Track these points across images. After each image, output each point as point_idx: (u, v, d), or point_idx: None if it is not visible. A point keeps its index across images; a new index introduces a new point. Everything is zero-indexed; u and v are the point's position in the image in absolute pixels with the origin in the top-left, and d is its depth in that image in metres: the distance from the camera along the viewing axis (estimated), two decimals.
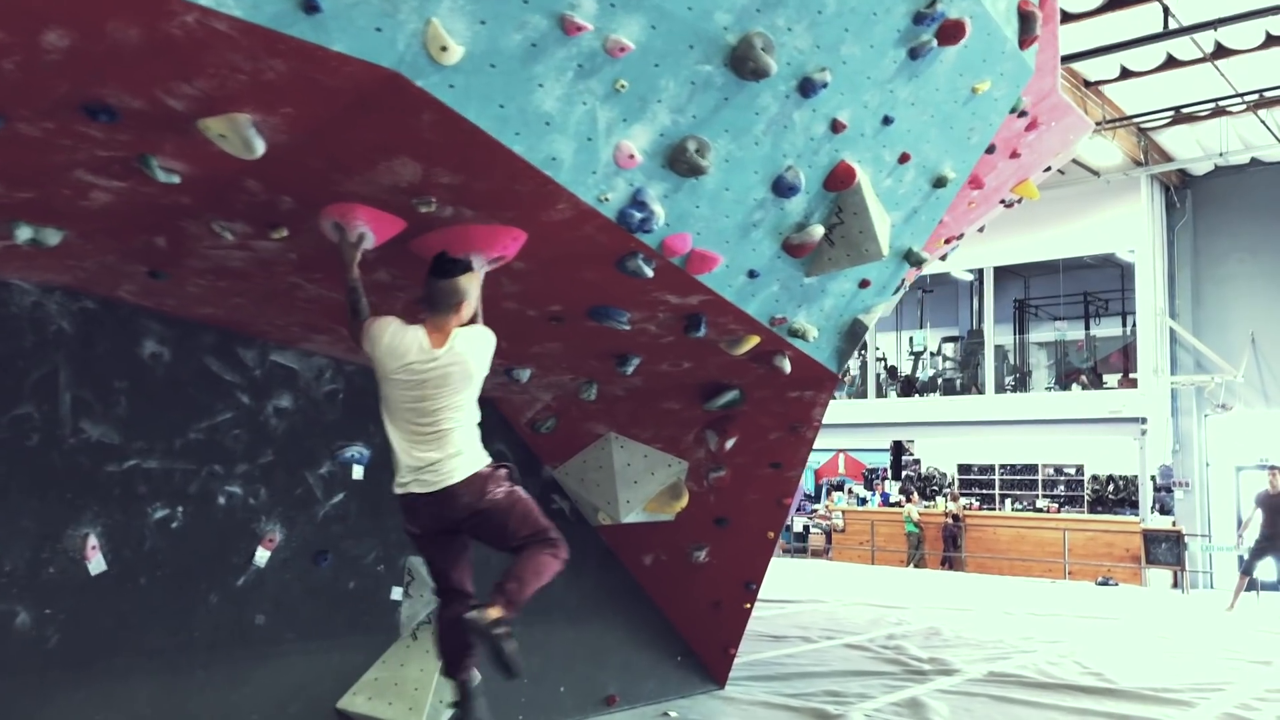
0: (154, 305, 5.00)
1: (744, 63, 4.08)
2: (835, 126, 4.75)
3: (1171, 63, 15.01)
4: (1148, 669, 9.13)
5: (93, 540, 4.85)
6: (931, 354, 24.77)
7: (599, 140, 3.92)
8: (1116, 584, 17.11)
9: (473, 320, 4.28)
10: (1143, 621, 12.63)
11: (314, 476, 5.70)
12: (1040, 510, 21.25)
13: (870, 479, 27.14)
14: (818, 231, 5.11)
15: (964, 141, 5.58)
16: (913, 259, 5.93)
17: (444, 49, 3.22)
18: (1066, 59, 14.30)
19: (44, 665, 4.70)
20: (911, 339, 25.13)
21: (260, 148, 3.43)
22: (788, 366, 5.98)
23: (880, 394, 23.66)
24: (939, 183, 5.63)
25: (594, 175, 4.01)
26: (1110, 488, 21.61)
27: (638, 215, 4.25)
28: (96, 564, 4.87)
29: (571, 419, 6.79)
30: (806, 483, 31.74)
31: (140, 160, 3.55)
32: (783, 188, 4.76)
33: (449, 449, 4.21)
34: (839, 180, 5.00)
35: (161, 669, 5.08)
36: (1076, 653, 10.01)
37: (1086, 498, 21.93)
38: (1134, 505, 19.62)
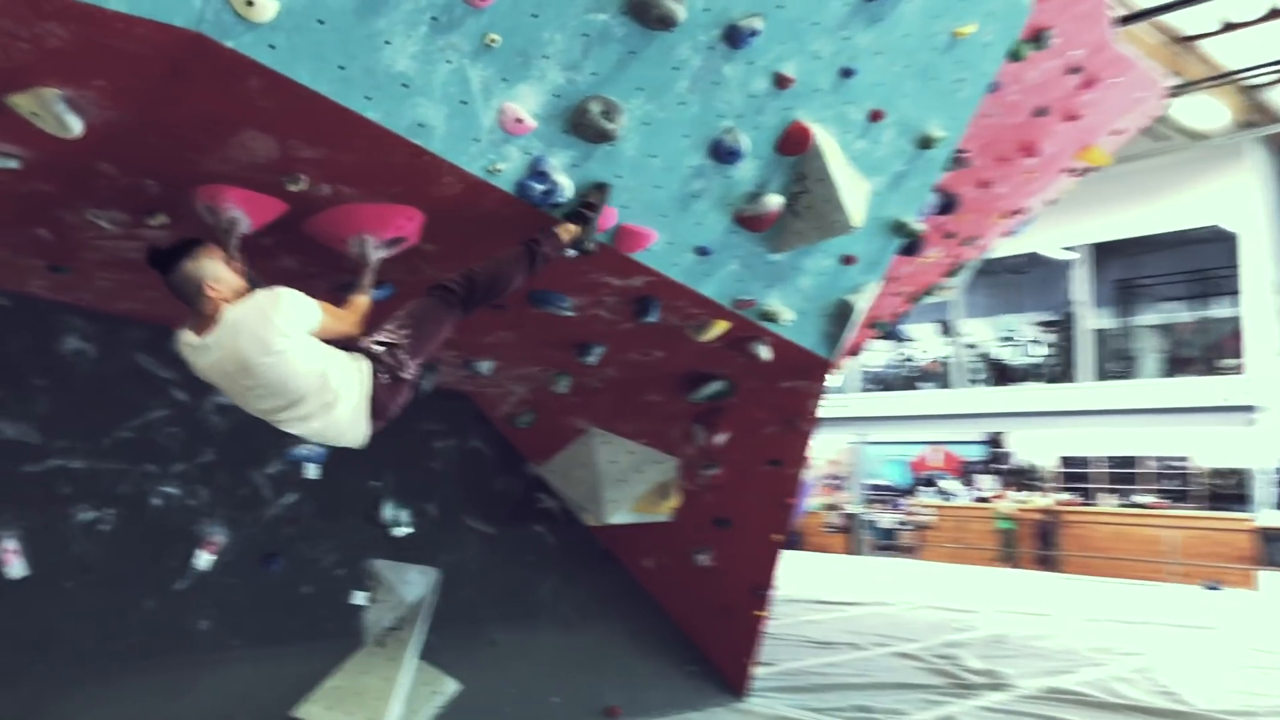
0: (72, 300, 4.90)
1: (645, 10, 3.69)
2: (780, 81, 4.31)
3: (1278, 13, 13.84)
4: (1231, 689, 8.33)
5: (11, 543, 4.75)
6: (1028, 341, 23.65)
7: (475, 103, 3.59)
8: (1224, 588, 15.96)
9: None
10: (1243, 632, 11.66)
11: (261, 476, 5.54)
12: (1141, 506, 20.03)
13: (968, 472, 26.10)
14: (774, 201, 4.68)
15: (950, 95, 5.05)
16: (904, 231, 5.43)
17: (249, 4, 2.94)
18: (1155, 11, 13.34)
19: None
20: (1005, 325, 24.05)
21: (76, 125, 3.21)
22: (766, 353, 5.56)
23: (974, 383, 22.71)
24: (925, 143, 5.12)
25: (477, 143, 3.69)
26: (1222, 481, 20.23)
27: (538, 187, 3.91)
28: (16, 568, 4.77)
29: (550, 413, 6.49)
30: (900, 477, 30.81)
31: None
32: (722, 153, 4.35)
33: (320, 418, 3.65)
34: (793, 143, 4.56)
35: (91, 677, 4.96)
36: (1154, 667, 9.23)
37: (1197, 492, 20.57)
38: (1247, 500, 18.29)
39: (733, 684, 7.61)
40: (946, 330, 23.99)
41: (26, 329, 4.84)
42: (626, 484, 6.53)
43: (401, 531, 6.07)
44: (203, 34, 2.95)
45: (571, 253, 4.08)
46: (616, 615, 7.23)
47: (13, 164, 3.51)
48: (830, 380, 6.13)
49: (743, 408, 6.28)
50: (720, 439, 6.40)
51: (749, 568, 7.01)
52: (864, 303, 5.65)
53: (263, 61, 3.09)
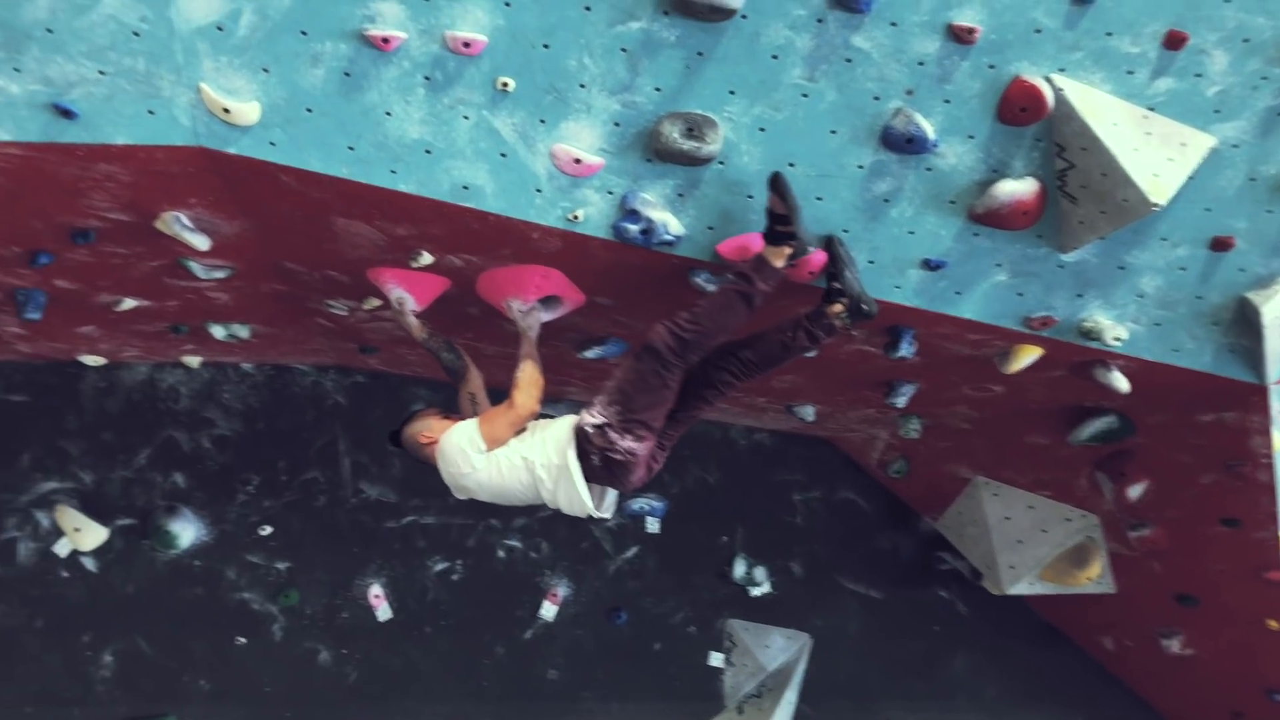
0: (412, 374, 5.61)
1: (688, 6, 3.14)
2: (958, 36, 3.31)
3: None
4: None
5: (377, 590, 5.59)
6: None
7: (518, 153, 3.38)
8: None
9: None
10: None
11: (601, 530, 5.73)
12: None
13: None
14: (1012, 189, 3.58)
15: None
16: None
17: (226, 110, 3.17)
18: None
19: (345, 699, 5.56)
20: None
21: (199, 240, 3.76)
22: (1123, 383, 4.23)
23: None
24: None
25: (540, 194, 3.47)
26: None
27: (632, 228, 3.54)
28: (383, 611, 5.60)
29: (923, 460, 5.64)
30: None
31: (180, 262, 4.13)
32: (898, 141, 3.47)
33: (560, 502, 3.74)
34: (1019, 109, 3.45)
35: (453, 715, 5.60)
36: None
37: None
38: None
39: None
40: None
41: (381, 401, 5.68)
42: (1027, 546, 5.39)
43: (759, 591, 5.78)
44: (205, 147, 3.26)
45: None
46: (1068, 703, 6.00)
47: (221, 274, 4.21)
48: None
49: (1155, 450, 4.81)
50: (1135, 491, 4.96)
51: (1248, 662, 5.33)
52: (1273, 303, 3.98)
53: (272, 160, 3.30)
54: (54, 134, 3.21)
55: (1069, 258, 3.83)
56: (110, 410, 5.59)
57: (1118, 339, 3.98)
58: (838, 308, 3.62)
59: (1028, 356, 4.18)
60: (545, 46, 3.21)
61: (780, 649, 5.81)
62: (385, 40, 3.13)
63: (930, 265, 3.79)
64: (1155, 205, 3.47)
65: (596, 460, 3.60)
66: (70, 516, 5.51)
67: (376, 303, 4.46)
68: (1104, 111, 3.46)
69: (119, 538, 5.60)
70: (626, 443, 3.57)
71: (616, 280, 3.94)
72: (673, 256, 3.67)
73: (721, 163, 3.47)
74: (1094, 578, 5.31)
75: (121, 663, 5.55)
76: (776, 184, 3.44)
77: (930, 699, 5.91)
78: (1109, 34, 3.39)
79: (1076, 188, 3.60)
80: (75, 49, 3.10)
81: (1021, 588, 5.40)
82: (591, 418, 3.61)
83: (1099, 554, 5.31)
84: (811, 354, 3.99)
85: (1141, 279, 3.93)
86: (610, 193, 3.51)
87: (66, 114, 3.16)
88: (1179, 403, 4.53)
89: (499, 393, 3.99)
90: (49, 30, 3.06)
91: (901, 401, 4.77)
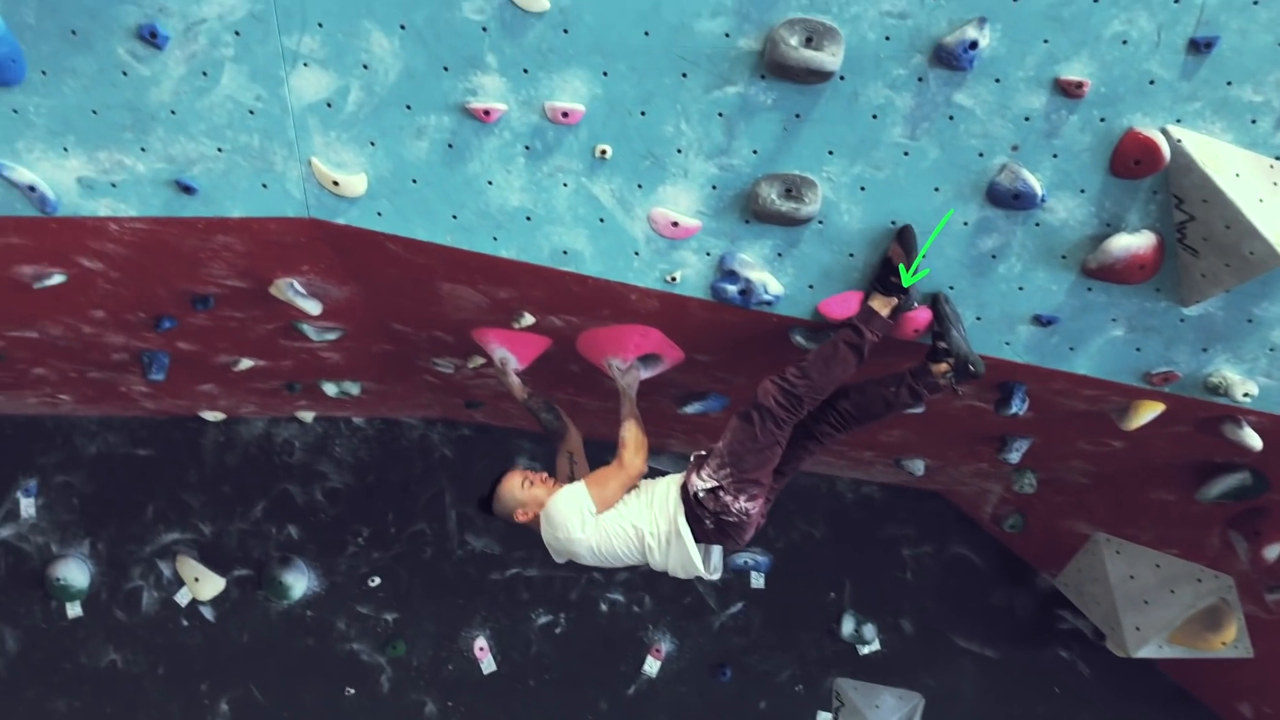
0: (516, 426, 5.70)
1: (786, 70, 3.15)
2: (1066, 90, 3.25)
3: None
4: None
5: (481, 642, 5.67)
6: None
7: (617, 217, 3.44)
8: None
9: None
10: None
11: (704, 585, 5.71)
12: None
13: None
14: (1129, 243, 3.48)
15: None
16: None
17: (336, 183, 3.31)
18: None
19: None
20: None
21: (311, 305, 3.91)
22: (1255, 440, 4.04)
23: None
24: None
25: (638, 257, 3.51)
26: None
27: (730, 288, 3.55)
28: (487, 664, 5.67)
29: (1040, 514, 5.48)
30: None
31: (294, 325, 4.30)
32: (1004, 197, 3.41)
33: (670, 565, 3.74)
34: (1133, 161, 3.36)
35: None
36: None
37: None
38: None
39: None
40: None
41: (486, 453, 5.78)
42: (1154, 607, 5.16)
43: (868, 649, 5.68)
44: (316, 218, 3.40)
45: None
46: None
47: (332, 336, 4.37)
48: None
49: None
50: (1272, 551, 4.72)
51: None
52: None
53: (378, 229, 3.42)
54: (176, 208, 3.39)
55: (1191, 311, 3.69)
56: (229, 464, 5.83)
57: (1248, 395, 3.81)
58: (943, 367, 3.58)
59: (1148, 412, 4.03)
60: (642, 114, 3.26)
61: (891, 709, 5.68)
62: (486, 112, 3.22)
63: (1041, 321, 3.70)
64: None
65: (709, 524, 3.60)
66: (190, 567, 5.76)
67: (481, 361, 4.56)
68: (1226, 162, 3.34)
69: (235, 588, 5.81)
70: (740, 503, 3.57)
71: (715, 338, 3.95)
72: (772, 315, 3.67)
73: (821, 222, 3.47)
74: (1229, 642, 5.05)
75: (236, 711, 5.75)
76: (904, 237, 3.43)
77: None
78: (1229, 83, 3.27)
79: (1198, 240, 3.48)
80: (196, 128, 3.28)
81: (1149, 651, 5.17)
82: (702, 481, 3.59)
83: (1234, 617, 5.06)
84: (916, 410, 3.94)
85: (1273, 332, 3.75)
86: (708, 254, 3.53)
87: (187, 189, 3.34)
88: None
89: (598, 445, 4.04)
90: (173, 112, 3.25)
91: (1014, 457, 4.64)
